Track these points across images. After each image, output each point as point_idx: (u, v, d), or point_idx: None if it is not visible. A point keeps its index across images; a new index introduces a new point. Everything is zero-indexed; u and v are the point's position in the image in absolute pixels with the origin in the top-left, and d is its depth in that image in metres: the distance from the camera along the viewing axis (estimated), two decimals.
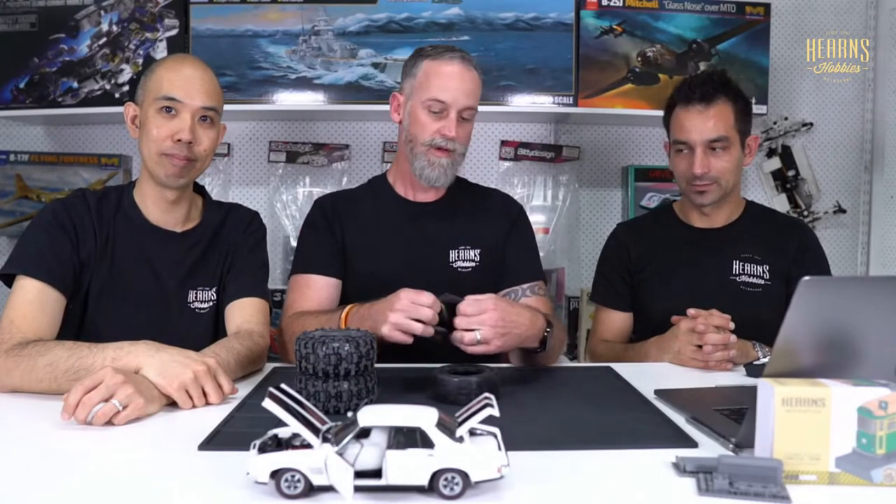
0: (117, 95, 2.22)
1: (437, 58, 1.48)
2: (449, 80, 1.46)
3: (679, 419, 1.01)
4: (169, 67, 1.32)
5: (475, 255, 1.55)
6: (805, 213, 2.51)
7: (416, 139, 1.49)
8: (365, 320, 1.26)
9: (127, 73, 2.22)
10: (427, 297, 1.18)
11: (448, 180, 1.53)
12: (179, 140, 1.28)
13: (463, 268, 1.54)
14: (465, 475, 0.71)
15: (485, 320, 1.18)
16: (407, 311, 1.17)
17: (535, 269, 1.60)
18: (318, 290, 1.51)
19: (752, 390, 0.81)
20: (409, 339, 1.19)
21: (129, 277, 1.34)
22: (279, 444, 0.75)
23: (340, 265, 1.54)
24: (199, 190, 1.48)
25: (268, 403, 0.74)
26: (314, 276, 1.52)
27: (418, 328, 1.17)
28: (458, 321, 1.18)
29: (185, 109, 1.29)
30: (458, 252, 1.54)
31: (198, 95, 1.30)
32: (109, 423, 0.95)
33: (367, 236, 1.56)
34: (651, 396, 1.13)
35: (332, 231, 1.55)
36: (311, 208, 1.62)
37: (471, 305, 1.19)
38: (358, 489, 0.70)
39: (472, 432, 0.76)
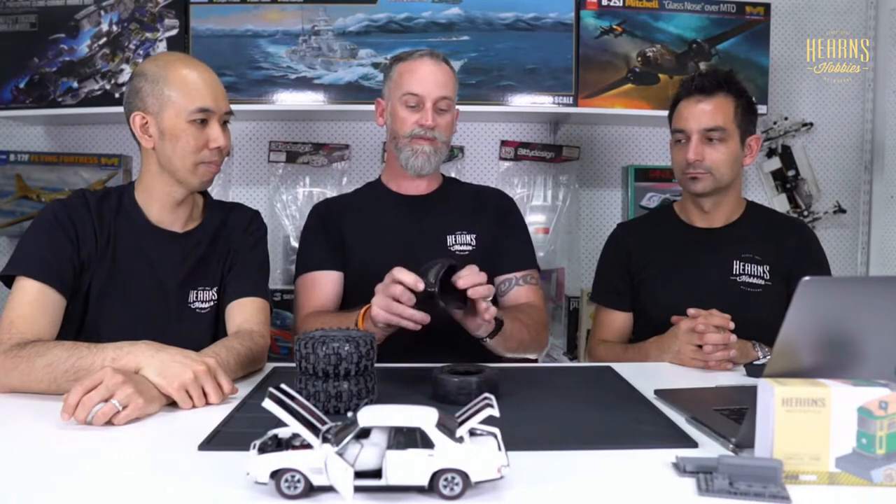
0: (117, 95, 2.21)
1: (408, 59, 1.59)
2: (420, 74, 1.56)
3: (679, 419, 1.01)
4: (186, 75, 1.30)
5: (471, 240, 1.61)
6: (805, 213, 2.51)
7: (399, 134, 1.58)
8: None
9: (127, 73, 2.22)
10: (402, 274, 1.18)
11: (433, 168, 1.59)
12: (217, 147, 1.32)
13: (461, 251, 1.59)
14: (465, 475, 0.71)
15: (488, 293, 1.24)
16: (382, 290, 1.21)
17: (528, 259, 1.67)
18: (323, 285, 1.58)
19: (752, 390, 0.81)
20: (398, 321, 1.20)
21: (129, 278, 1.34)
22: (279, 445, 0.75)
23: (340, 259, 1.60)
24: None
25: (268, 403, 0.74)
26: (318, 272, 1.59)
27: (394, 307, 1.18)
28: (472, 291, 1.21)
29: (214, 117, 1.32)
30: (455, 237, 1.61)
31: (222, 101, 1.34)
32: (109, 423, 0.95)
33: (365, 231, 1.61)
34: (651, 396, 1.13)
35: (329, 231, 1.62)
36: (308, 214, 1.69)
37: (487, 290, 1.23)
38: (358, 489, 0.70)
39: (472, 432, 0.76)
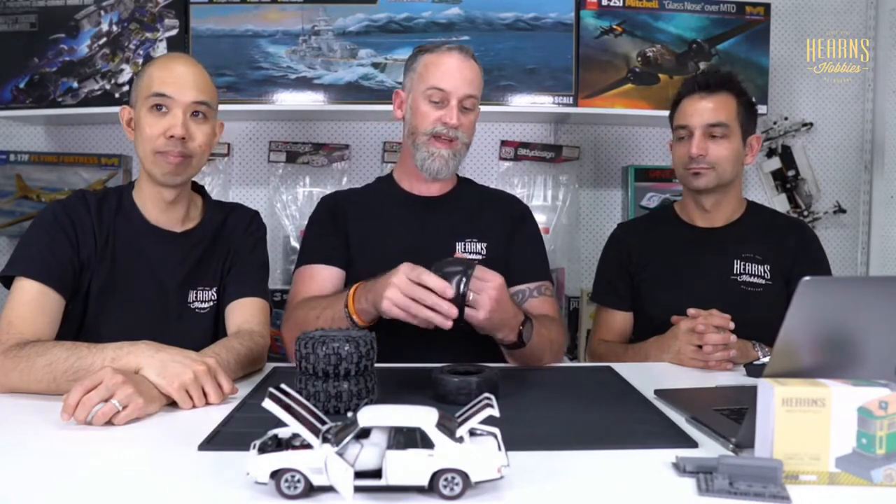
0: (117, 95, 2.22)
1: (435, 51, 1.52)
2: (448, 69, 1.48)
3: (679, 419, 1.01)
4: (159, 66, 1.32)
5: (482, 248, 1.55)
6: (805, 213, 2.51)
7: (418, 129, 1.50)
8: (368, 293, 1.24)
9: (127, 73, 2.22)
10: (430, 278, 1.12)
11: (450, 172, 1.53)
12: (172, 136, 1.28)
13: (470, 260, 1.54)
14: (465, 475, 0.71)
15: (486, 287, 1.19)
16: (403, 289, 1.14)
17: (542, 270, 1.60)
18: (322, 279, 1.51)
19: (752, 390, 0.81)
20: (409, 318, 1.16)
21: (129, 278, 1.34)
22: (279, 445, 0.75)
23: (344, 256, 1.54)
24: (199, 190, 1.48)
25: (268, 403, 0.74)
26: (318, 265, 1.52)
27: (414, 308, 1.13)
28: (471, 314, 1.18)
29: (176, 105, 1.29)
30: (465, 244, 1.54)
31: (188, 90, 1.29)
32: (109, 423, 0.95)
33: (371, 230, 1.56)
34: (651, 396, 1.13)
35: (336, 225, 1.56)
36: (316, 206, 1.64)
37: (481, 270, 1.19)
38: (358, 489, 0.70)
39: (472, 432, 0.76)
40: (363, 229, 1.56)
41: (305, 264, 1.54)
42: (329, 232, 1.56)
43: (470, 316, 1.19)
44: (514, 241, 1.59)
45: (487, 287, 1.20)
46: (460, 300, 1.12)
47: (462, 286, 1.12)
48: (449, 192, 1.61)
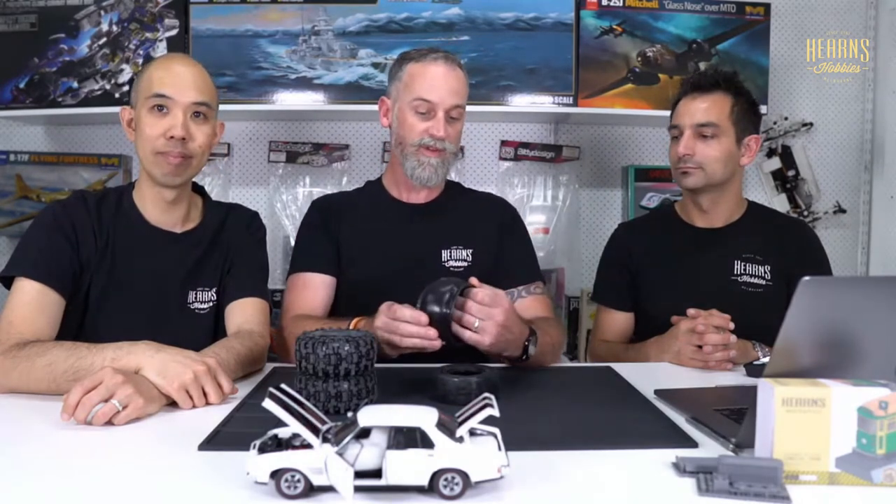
0: (117, 95, 2.22)
1: (420, 59, 1.50)
2: (434, 79, 1.48)
3: (679, 419, 1.01)
4: (159, 66, 1.32)
5: (467, 255, 1.56)
6: (805, 213, 2.51)
7: (406, 141, 1.51)
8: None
9: (127, 73, 2.22)
10: (403, 311, 1.17)
11: (440, 179, 1.54)
12: (172, 137, 1.28)
13: (455, 267, 1.54)
14: (465, 475, 0.71)
15: (493, 314, 1.18)
16: (385, 328, 1.19)
17: (532, 270, 1.62)
18: (316, 288, 1.53)
19: (752, 390, 0.81)
20: (412, 350, 1.20)
21: (129, 279, 1.34)
22: (279, 444, 0.75)
23: (336, 263, 1.56)
24: (199, 190, 1.48)
25: (268, 403, 0.74)
26: (312, 274, 1.54)
27: (397, 341, 1.18)
28: (469, 305, 1.18)
29: (176, 106, 1.29)
30: (451, 252, 1.55)
31: (188, 91, 1.30)
32: (109, 423, 0.95)
33: (360, 236, 1.57)
34: (651, 396, 1.14)
35: (329, 230, 1.57)
36: (308, 209, 1.65)
37: (488, 296, 1.19)
38: (358, 489, 0.70)
39: (472, 432, 0.76)
40: (354, 235, 1.57)
41: (299, 271, 1.55)
42: (321, 238, 1.57)
43: (475, 342, 1.19)
44: (503, 246, 1.59)
45: (495, 314, 1.19)
46: (442, 320, 1.16)
47: (441, 307, 1.15)
48: (436, 199, 1.62)
